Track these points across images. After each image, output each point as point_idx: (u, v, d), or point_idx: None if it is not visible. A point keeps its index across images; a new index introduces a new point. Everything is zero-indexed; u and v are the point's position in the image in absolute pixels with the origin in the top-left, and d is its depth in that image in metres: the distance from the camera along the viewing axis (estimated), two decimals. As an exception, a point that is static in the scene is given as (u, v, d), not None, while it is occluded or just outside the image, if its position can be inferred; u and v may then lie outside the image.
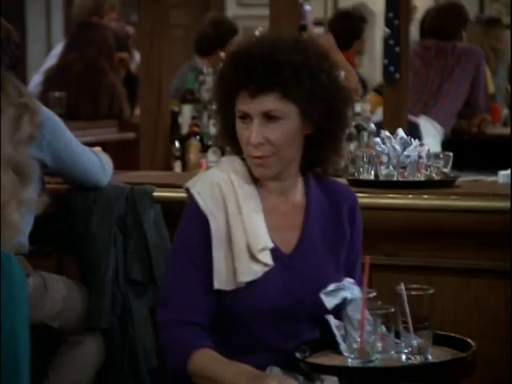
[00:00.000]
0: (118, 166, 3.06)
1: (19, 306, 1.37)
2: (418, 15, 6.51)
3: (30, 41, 7.86)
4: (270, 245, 1.98)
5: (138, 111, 4.63)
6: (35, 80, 4.94)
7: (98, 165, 2.84)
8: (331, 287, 1.93)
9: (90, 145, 3.00)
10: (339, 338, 1.91)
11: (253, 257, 1.96)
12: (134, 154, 3.98)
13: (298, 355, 1.92)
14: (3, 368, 1.35)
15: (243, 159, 2.03)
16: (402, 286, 1.89)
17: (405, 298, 1.87)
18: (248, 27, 5.95)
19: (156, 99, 3.76)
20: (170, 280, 2.03)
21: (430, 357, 1.90)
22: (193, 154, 3.82)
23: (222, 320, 2.01)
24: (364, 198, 2.74)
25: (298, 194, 2.06)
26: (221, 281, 1.97)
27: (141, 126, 3.84)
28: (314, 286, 2.00)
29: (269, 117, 1.95)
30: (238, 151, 2.04)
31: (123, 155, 4.59)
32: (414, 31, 5.35)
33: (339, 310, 1.94)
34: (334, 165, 2.15)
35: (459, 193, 2.75)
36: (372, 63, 7.92)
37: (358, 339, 1.85)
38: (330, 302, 1.92)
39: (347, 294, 1.92)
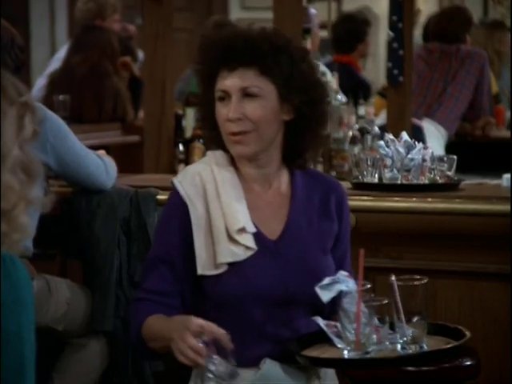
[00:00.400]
0: (122, 168, 3.06)
1: (25, 308, 1.38)
2: (422, 19, 6.52)
3: (33, 44, 7.87)
4: (251, 227, 2.00)
5: (142, 114, 4.64)
6: (39, 83, 4.95)
7: (102, 168, 2.84)
8: (326, 281, 1.93)
9: (94, 148, 3.00)
10: (332, 335, 1.91)
11: (231, 239, 1.98)
12: (138, 157, 3.98)
13: (293, 348, 1.93)
14: (9, 370, 1.36)
15: (227, 152, 2.06)
16: (393, 277, 1.90)
17: (396, 288, 1.89)
18: (252, 30, 5.95)
19: (160, 102, 3.76)
20: (145, 266, 2.09)
21: (425, 346, 1.91)
22: (197, 157, 3.82)
23: (215, 308, 2.02)
24: (368, 202, 2.74)
25: (282, 184, 2.09)
26: (203, 265, 1.99)
27: (145, 129, 3.84)
28: (303, 273, 2.01)
29: (247, 94, 1.98)
30: (219, 144, 2.07)
31: (127, 158, 4.60)
32: (418, 34, 5.36)
33: (334, 303, 1.95)
34: (313, 157, 2.17)
35: (463, 196, 2.75)
36: (376, 66, 7.92)
37: (353, 331, 1.86)
38: (325, 295, 1.92)
39: (342, 287, 1.92)
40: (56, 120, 2.78)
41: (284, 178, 2.09)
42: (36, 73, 6.85)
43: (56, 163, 2.74)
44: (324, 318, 2.00)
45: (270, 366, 1.98)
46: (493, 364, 2.54)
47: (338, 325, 1.91)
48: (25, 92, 1.49)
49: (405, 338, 1.90)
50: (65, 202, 2.92)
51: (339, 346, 1.89)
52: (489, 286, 2.67)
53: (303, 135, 2.06)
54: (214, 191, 2.01)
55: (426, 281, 1.93)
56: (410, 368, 2.05)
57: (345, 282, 1.92)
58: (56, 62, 4.98)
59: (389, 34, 3.88)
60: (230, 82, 1.98)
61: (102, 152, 2.97)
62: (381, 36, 7.85)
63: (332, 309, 2.01)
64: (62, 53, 5.07)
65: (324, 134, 2.15)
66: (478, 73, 4.78)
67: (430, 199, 2.73)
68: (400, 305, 1.89)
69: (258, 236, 2.01)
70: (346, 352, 1.89)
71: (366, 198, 2.76)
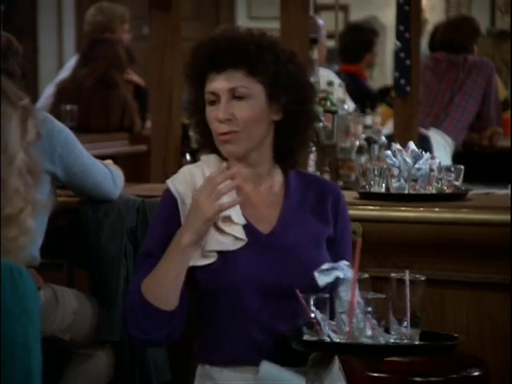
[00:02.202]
0: (129, 178, 3.06)
1: (32, 320, 1.37)
2: (429, 28, 6.52)
3: (41, 56, 7.90)
4: (240, 219, 2.01)
5: (148, 124, 4.65)
6: (48, 92, 4.96)
7: (109, 178, 2.84)
8: (325, 266, 1.93)
9: (102, 157, 3.00)
10: (326, 327, 1.89)
11: (218, 228, 2.00)
12: (145, 167, 3.99)
13: (288, 335, 1.92)
14: (16, 382, 1.35)
15: (219, 156, 2.08)
16: (395, 274, 1.90)
17: (394, 284, 1.89)
18: (259, 40, 5.96)
19: (167, 112, 3.77)
20: (135, 269, 2.09)
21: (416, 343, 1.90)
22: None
23: (209, 299, 2.02)
24: (375, 211, 2.74)
25: (276, 183, 2.10)
26: (193, 256, 2.00)
27: (152, 139, 3.85)
28: (296, 266, 2.01)
29: (236, 95, 2.01)
30: (213, 149, 2.09)
31: (134, 168, 4.60)
32: (425, 44, 5.36)
33: (332, 290, 1.94)
34: (301, 157, 2.20)
35: (471, 206, 2.74)
36: (383, 76, 7.92)
37: (347, 322, 1.85)
38: (322, 279, 1.91)
39: (339, 274, 1.91)
40: (64, 130, 2.78)
41: (277, 177, 2.11)
42: (43, 84, 6.87)
43: (63, 173, 2.75)
44: None
45: (267, 369, 1.97)
46: (501, 375, 2.53)
47: (335, 323, 1.89)
48: (24, 96, 1.49)
49: (397, 335, 1.89)
50: (72, 211, 2.92)
51: (331, 335, 1.87)
52: (497, 297, 2.66)
53: (293, 134, 2.08)
54: None
55: (423, 278, 1.92)
56: (417, 378, 2.04)
57: (343, 270, 1.91)
58: (66, 72, 5.00)
59: (396, 44, 3.88)
60: (218, 83, 2.01)
61: (109, 162, 2.97)
62: (388, 46, 7.86)
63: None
64: (72, 62, 5.09)
65: (312, 135, 2.17)
66: (485, 83, 4.77)
67: (437, 209, 2.72)
68: (396, 302, 1.89)
69: (248, 228, 2.02)
70: (337, 340, 1.87)
71: (372, 207, 2.76)
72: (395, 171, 2.79)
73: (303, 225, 2.07)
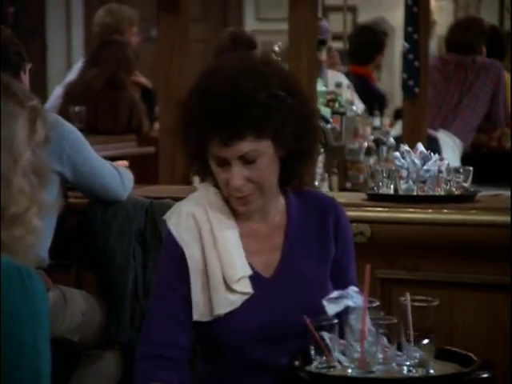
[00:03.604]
0: (138, 179, 3.07)
1: (41, 321, 1.38)
2: (437, 29, 6.51)
3: (50, 56, 7.91)
4: (248, 272, 1.96)
5: (156, 125, 4.65)
6: (57, 92, 4.97)
7: (118, 179, 2.84)
8: (334, 294, 1.91)
9: (110, 159, 3.01)
10: (336, 351, 1.87)
11: (229, 288, 1.95)
12: (153, 168, 3.99)
13: (296, 363, 1.89)
14: (25, 383, 1.36)
15: (218, 188, 2.01)
16: (408, 297, 1.86)
17: (409, 308, 1.85)
18: (266, 42, 5.96)
19: (175, 114, 3.76)
20: (148, 314, 2.04)
21: (431, 370, 1.87)
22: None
23: (214, 349, 2.00)
24: (383, 213, 2.74)
25: (277, 214, 2.04)
26: (199, 313, 1.96)
27: (160, 140, 3.85)
28: (300, 303, 1.97)
29: (247, 160, 1.92)
30: (209, 177, 2.02)
31: (142, 169, 4.60)
32: (433, 45, 5.35)
33: (340, 317, 1.91)
34: (308, 176, 2.12)
35: (479, 207, 2.73)
36: (391, 77, 7.91)
37: (359, 349, 1.82)
38: (331, 308, 1.89)
39: (349, 303, 1.88)
40: (73, 131, 2.79)
41: (279, 206, 2.05)
42: (52, 85, 6.88)
43: (72, 174, 2.75)
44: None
45: None
46: (501, 375, 2.52)
47: (345, 342, 1.87)
48: (33, 97, 1.49)
49: (411, 361, 1.86)
50: (80, 213, 2.92)
51: (345, 364, 1.85)
52: (506, 298, 2.65)
53: (298, 162, 2.01)
54: (209, 235, 1.97)
55: (437, 303, 1.89)
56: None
57: (353, 298, 1.89)
58: (74, 73, 5.01)
59: (404, 45, 3.88)
60: (225, 153, 1.91)
61: (123, 163, 2.97)
62: (396, 47, 7.84)
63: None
64: (79, 64, 5.09)
65: (318, 154, 2.09)
66: (493, 84, 4.76)
67: (445, 210, 2.71)
68: (411, 325, 1.85)
69: (253, 277, 1.97)
70: (349, 370, 1.84)
71: (381, 209, 2.76)
72: (404, 173, 2.78)
73: (306, 260, 2.01)
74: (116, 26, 5.02)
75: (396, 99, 6.80)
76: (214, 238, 1.96)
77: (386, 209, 2.74)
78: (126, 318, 2.82)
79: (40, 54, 7.72)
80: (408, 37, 3.84)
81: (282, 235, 2.02)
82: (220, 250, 1.96)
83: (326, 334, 1.85)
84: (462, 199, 2.79)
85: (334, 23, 6.39)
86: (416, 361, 1.85)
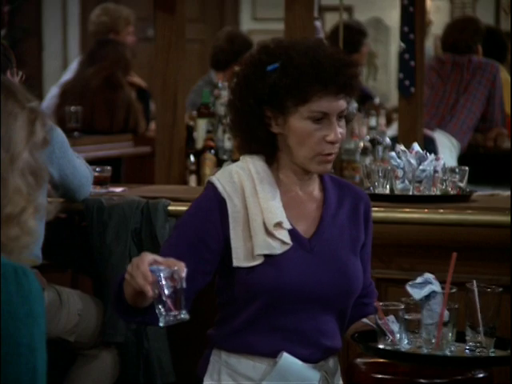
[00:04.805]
0: (134, 179, 3.07)
1: (37, 320, 1.38)
2: (433, 29, 6.51)
3: (46, 56, 7.90)
4: (287, 224, 2.04)
5: (153, 125, 4.65)
6: (53, 92, 4.97)
7: (90, 179, 2.93)
8: (419, 280, 2.00)
9: (107, 159, 3.01)
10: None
11: (269, 232, 2.02)
12: (149, 168, 3.99)
13: (361, 342, 2.02)
14: (21, 382, 1.36)
15: (262, 158, 2.09)
16: (474, 283, 1.99)
17: (476, 294, 1.97)
18: (263, 42, 5.97)
19: (171, 113, 3.77)
20: (169, 239, 2.08)
21: (492, 353, 1.99)
22: (208, 168, 3.83)
23: (245, 301, 2.04)
24: (379, 213, 2.74)
25: (316, 188, 2.13)
26: (239, 258, 2.02)
27: (156, 140, 3.85)
28: (335, 273, 2.06)
29: (341, 116, 2.05)
30: (251, 153, 2.10)
31: (139, 169, 4.61)
32: (429, 45, 5.35)
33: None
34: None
35: (475, 207, 2.74)
36: (387, 77, 7.92)
37: (435, 331, 1.95)
38: (417, 293, 1.99)
39: (435, 288, 1.99)
40: (61, 133, 2.86)
41: (316, 182, 2.14)
42: (48, 85, 6.88)
43: (57, 174, 2.81)
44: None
45: (286, 361, 2.02)
46: (502, 375, 2.52)
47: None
48: (32, 98, 1.49)
49: (474, 344, 1.99)
50: (76, 213, 2.92)
51: (420, 345, 1.97)
52: (502, 298, 2.65)
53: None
54: (251, 189, 2.05)
55: (501, 289, 2.01)
56: (422, 380, 2.04)
57: (436, 284, 2.00)
58: (70, 73, 5.00)
59: (400, 45, 3.88)
60: (333, 106, 2.02)
61: None
62: (392, 47, 7.85)
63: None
64: (75, 64, 5.09)
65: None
66: (489, 84, 4.77)
67: (441, 210, 2.72)
68: (478, 311, 1.97)
69: (292, 232, 2.05)
70: (425, 350, 1.97)
71: (377, 209, 2.75)
72: (399, 172, 2.79)
73: (341, 231, 2.10)
74: (112, 25, 5.02)
75: (392, 99, 6.82)
76: (255, 190, 2.05)
77: (382, 209, 2.75)
78: (123, 317, 2.82)
79: (36, 54, 7.72)
80: (404, 37, 3.84)
81: (320, 207, 2.11)
82: (261, 200, 2.04)
83: (391, 318, 1.99)
84: (458, 199, 2.80)
85: (330, 23, 6.38)
86: (478, 345, 1.98)
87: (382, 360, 2.06)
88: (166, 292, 1.74)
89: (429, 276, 2.01)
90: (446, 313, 1.97)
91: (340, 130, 2.04)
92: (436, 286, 1.99)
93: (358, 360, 2.15)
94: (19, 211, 1.41)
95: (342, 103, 2.03)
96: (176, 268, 1.76)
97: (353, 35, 5.35)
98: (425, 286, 1.99)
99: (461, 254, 2.70)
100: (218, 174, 2.09)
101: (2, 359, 1.35)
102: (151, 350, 2.84)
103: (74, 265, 3.03)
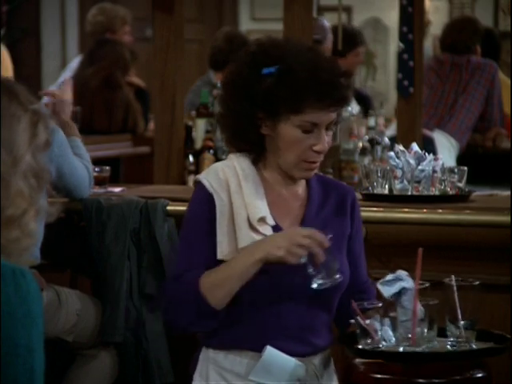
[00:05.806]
0: (133, 179, 3.07)
1: (35, 321, 1.38)
2: (433, 30, 6.52)
3: (44, 56, 7.90)
4: (271, 220, 2.07)
5: (151, 125, 4.65)
6: (50, 91, 4.96)
7: (88, 179, 2.91)
8: (389, 277, 2.00)
9: (106, 159, 3.02)
10: (381, 332, 1.99)
11: (252, 227, 2.05)
12: (148, 168, 3.99)
13: (344, 341, 2.01)
14: (19, 382, 1.36)
15: (248, 157, 2.12)
16: (453, 278, 1.99)
17: (455, 289, 1.98)
18: (262, 42, 5.97)
19: (170, 114, 3.77)
20: (178, 257, 2.10)
21: (474, 346, 2.00)
22: (207, 168, 3.82)
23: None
24: (378, 213, 2.74)
25: (300, 186, 2.15)
26: (223, 251, 2.05)
27: (155, 140, 3.85)
28: None
29: (330, 126, 2.08)
30: (241, 150, 2.13)
31: (137, 169, 4.61)
32: (428, 45, 5.35)
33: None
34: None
35: (474, 207, 2.74)
36: (386, 78, 7.92)
37: (409, 328, 1.94)
38: (387, 290, 1.99)
39: (405, 284, 1.99)
40: (59, 131, 2.86)
41: (302, 182, 2.16)
42: (46, 85, 6.88)
43: (56, 173, 2.81)
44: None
45: (270, 354, 2.03)
46: (502, 375, 2.52)
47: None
48: (35, 100, 1.49)
49: (455, 339, 2.00)
50: (75, 213, 2.92)
51: (389, 343, 1.97)
52: (501, 299, 2.65)
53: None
54: (236, 185, 2.08)
55: (478, 282, 2.02)
56: (420, 380, 2.04)
57: (406, 280, 1.99)
58: (68, 73, 5.00)
59: (399, 46, 3.88)
60: (324, 117, 2.04)
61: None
62: (391, 47, 7.86)
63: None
64: (75, 63, 5.09)
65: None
66: (488, 84, 4.77)
67: (440, 210, 2.72)
68: (457, 305, 1.98)
69: (276, 229, 2.07)
70: (401, 348, 1.96)
71: (376, 209, 2.76)
72: (398, 173, 2.79)
73: (325, 228, 2.10)
74: (108, 24, 5.02)
75: (391, 99, 6.82)
76: (240, 186, 2.08)
77: (381, 209, 2.75)
78: (121, 317, 2.82)
79: (34, 54, 7.71)
80: (403, 37, 3.84)
81: (304, 205, 2.13)
82: (245, 196, 2.07)
83: (377, 317, 1.98)
84: (457, 199, 2.80)
85: (329, 23, 6.38)
86: (459, 337, 1.99)
87: (380, 360, 2.05)
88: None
89: (401, 273, 2.01)
90: (421, 309, 1.96)
91: (327, 139, 2.07)
92: (407, 283, 1.98)
93: (357, 360, 2.14)
94: (20, 213, 1.41)
95: (333, 115, 2.05)
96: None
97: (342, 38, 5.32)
98: (395, 283, 1.99)
99: (459, 253, 2.71)
100: (205, 173, 2.13)
101: (1, 359, 1.35)
102: (150, 350, 2.83)
103: (72, 265, 3.03)
